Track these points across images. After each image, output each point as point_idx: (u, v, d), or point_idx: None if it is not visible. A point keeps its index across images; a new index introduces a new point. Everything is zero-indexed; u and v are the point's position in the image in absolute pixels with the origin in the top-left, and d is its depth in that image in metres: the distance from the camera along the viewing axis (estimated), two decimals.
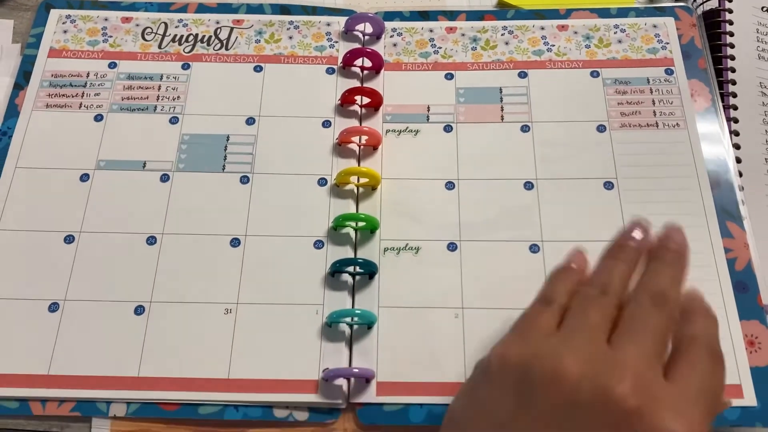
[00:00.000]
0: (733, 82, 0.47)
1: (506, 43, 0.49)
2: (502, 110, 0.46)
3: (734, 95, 0.47)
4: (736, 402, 0.37)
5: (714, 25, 0.49)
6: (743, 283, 0.40)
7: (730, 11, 0.49)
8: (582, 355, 0.26)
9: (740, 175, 0.44)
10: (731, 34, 0.49)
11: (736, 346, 0.39)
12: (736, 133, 0.46)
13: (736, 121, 0.46)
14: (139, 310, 0.40)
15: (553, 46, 0.48)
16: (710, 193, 0.43)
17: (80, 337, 0.39)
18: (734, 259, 0.41)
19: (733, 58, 0.48)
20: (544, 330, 0.28)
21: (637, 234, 0.32)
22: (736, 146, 0.45)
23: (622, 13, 0.50)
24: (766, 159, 0.45)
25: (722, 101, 0.47)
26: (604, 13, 0.50)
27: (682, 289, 0.30)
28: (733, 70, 0.47)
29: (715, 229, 0.42)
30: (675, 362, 0.27)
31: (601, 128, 0.45)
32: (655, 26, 0.49)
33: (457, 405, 0.30)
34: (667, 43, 0.48)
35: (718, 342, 0.29)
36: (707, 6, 0.50)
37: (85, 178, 0.44)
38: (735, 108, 0.46)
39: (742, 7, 0.50)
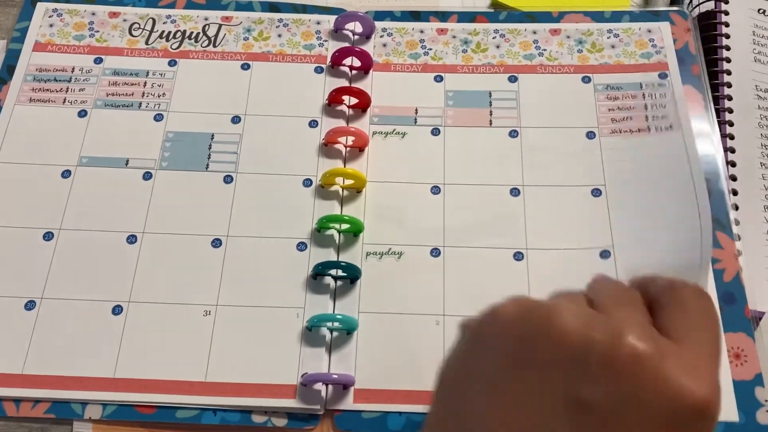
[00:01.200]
0: (729, 85, 0.47)
1: (497, 47, 0.48)
2: (491, 114, 0.45)
3: (730, 98, 0.46)
4: (721, 417, 0.37)
5: (709, 27, 0.49)
6: (731, 294, 0.40)
7: (726, 13, 0.49)
8: (587, 312, 0.24)
9: (734, 179, 0.43)
10: (727, 36, 0.48)
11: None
12: (731, 137, 0.45)
13: (731, 124, 0.45)
14: (116, 310, 0.40)
15: (545, 50, 0.48)
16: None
17: (56, 336, 0.39)
18: (722, 270, 0.41)
19: (729, 60, 0.47)
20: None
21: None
22: (731, 150, 0.45)
23: (616, 16, 0.49)
24: (761, 163, 0.44)
25: (717, 104, 0.46)
26: (597, 16, 0.49)
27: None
28: (729, 73, 0.47)
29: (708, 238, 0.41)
30: (666, 317, 0.25)
31: (590, 134, 0.45)
32: (649, 31, 0.48)
33: (449, 370, 0.26)
34: (662, 48, 0.47)
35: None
36: (703, 8, 0.49)
37: (66, 174, 0.43)
38: (731, 111, 0.46)
39: (738, 10, 0.49)
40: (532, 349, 0.23)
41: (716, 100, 0.46)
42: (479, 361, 0.25)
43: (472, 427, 0.24)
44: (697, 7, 0.50)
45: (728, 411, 0.37)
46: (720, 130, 0.45)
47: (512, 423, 0.23)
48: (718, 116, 0.46)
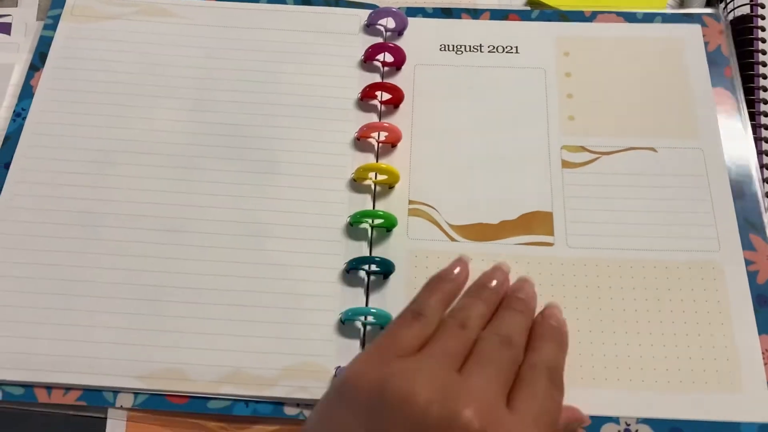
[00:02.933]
0: (765, 89, 0.46)
1: None
2: None
3: (765, 102, 0.46)
4: (754, 418, 0.37)
5: (745, 31, 0.48)
6: (765, 296, 0.40)
7: (763, 17, 0.48)
8: (434, 380, 0.27)
9: None
10: (763, 41, 0.48)
11: (753, 360, 0.38)
12: (767, 140, 0.45)
13: (767, 128, 0.45)
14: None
15: None
16: (732, 204, 0.42)
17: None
18: (756, 272, 0.40)
19: (765, 64, 0.47)
20: (404, 350, 0.29)
21: (499, 277, 0.34)
22: (767, 153, 0.44)
23: (649, 17, 0.49)
24: None
25: (753, 108, 0.46)
26: (630, 17, 0.49)
27: (526, 335, 0.32)
28: (765, 77, 0.47)
29: (737, 241, 0.41)
30: (517, 391, 0.29)
31: None
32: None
33: (310, 422, 0.30)
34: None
35: (560, 367, 0.31)
36: (738, 12, 0.49)
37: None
38: (766, 115, 0.46)
39: None
40: (383, 420, 0.27)
41: (752, 105, 0.46)
42: (336, 419, 0.28)
43: None
44: (732, 12, 0.50)
45: (763, 412, 0.37)
46: (755, 134, 0.45)
47: None
48: (753, 119, 0.46)
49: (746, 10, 0.49)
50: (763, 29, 0.48)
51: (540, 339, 0.32)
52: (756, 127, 0.45)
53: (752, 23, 0.49)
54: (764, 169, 0.44)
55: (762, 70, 0.47)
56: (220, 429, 0.37)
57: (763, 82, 0.47)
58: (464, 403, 0.26)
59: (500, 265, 0.35)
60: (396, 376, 0.27)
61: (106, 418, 0.37)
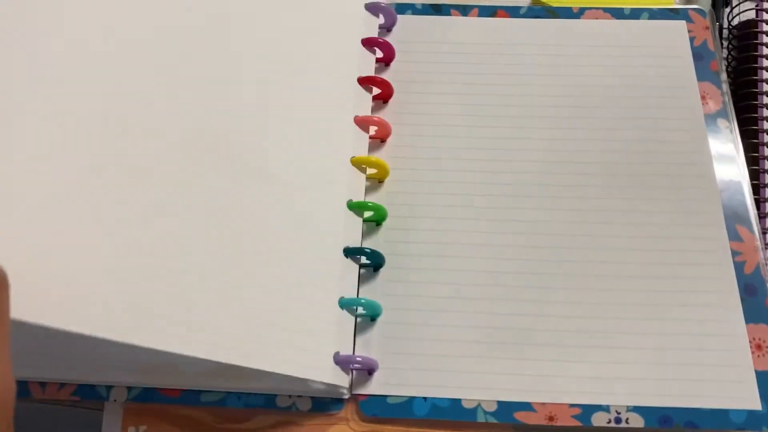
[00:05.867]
0: None
1: None
2: None
3: None
4: (742, 405, 0.37)
5: (750, 35, 0.49)
6: (752, 285, 0.40)
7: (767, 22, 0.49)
8: None
9: None
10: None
11: (740, 348, 0.39)
12: None
13: None
14: None
15: None
16: (719, 195, 0.43)
17: None
18: (743, 263, 0.41)
19: None
20: None
21: None
22: None
23: (636, 13, 0.50)
24: None
25: (755, 112, 0.47)
26: (617, 13, 0.50)
27: None
28: None
29: (723, 232, 0.42)
30: None
31: None
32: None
33: None
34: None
35: None
36: (743, 17, 0.50)
37: None
38: None
39: None
40: None
41: (755, 108, 0.47)
42: None
43: None
44: (737, 16, 0.50)
45: (751, 400, 0.37)
46: (759, 139, 0.46)
47: None
48: (755, 124, 0.46)
49: (751, 15, 0.50)
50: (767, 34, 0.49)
51: None
52: (758, 132, 0.46)
53: (757, 28, 0.49)
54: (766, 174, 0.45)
55: (766, 75, 0.48)
56: (216, 421, 0.38)
57: (767, 87, 0.47)
58: None
59: None
60: None
61: (102, 411, 0.38)
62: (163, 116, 0.35)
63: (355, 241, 0.41)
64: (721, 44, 0.50)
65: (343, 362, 0.37)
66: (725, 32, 0.51)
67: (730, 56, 0.51)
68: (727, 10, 0.51)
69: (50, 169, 0.29)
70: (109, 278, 0.29)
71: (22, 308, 0.25)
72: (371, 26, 0.48)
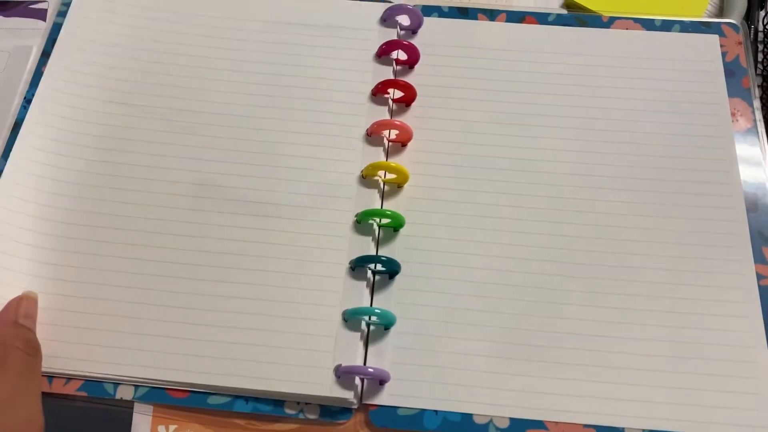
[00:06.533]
0: None
1: None
2: None
3: None
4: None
5: None
6: None
7: None
8: None
9: None
10: None
11: (760, 376, 0.38)
12: None
13: None
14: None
15: None
16: (745, 216, 0.42)
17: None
18: None
19: None
20: None
21: None
22: None
23: (666, 26, 0.48)
24: None
25: None
26: (648, 24, 0.48)
27: None
28: None
29: (748, 254, 0.41)
30: None
31: None
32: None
33: None
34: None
35: None
36: None
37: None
38: None
39: None
40: None
41: None
42: None
43: None
44: None
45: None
46: None
47: None
48: None
49: None
50: None
51: None
52: None
53: None
54: None
55: None
56: (246, 422, 0.37)
57: None
58: None
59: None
60: None
61: (132, 410, 0.37)
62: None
63: (365, 249, 0.40)
64: (756, 48, 0.49)
65: (348, 373, 0.37)
66: (760, 35, 0.50)
67: (765, 60, 0.49)
68: (762, 13, 0.49)
69: None
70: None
71: None
72: (387, 36, 0.47)
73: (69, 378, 0.37)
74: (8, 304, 0.37)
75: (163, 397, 0.37)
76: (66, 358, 0.38)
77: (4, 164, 0.42)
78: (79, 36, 0.47)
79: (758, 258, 0.41)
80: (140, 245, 0.40)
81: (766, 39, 0.50)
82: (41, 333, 0.38)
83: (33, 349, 0.36)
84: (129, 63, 0.46)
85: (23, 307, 0.37)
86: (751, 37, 0.48)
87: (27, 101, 0.45)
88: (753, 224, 0.42)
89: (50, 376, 0.37)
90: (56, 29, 0.47)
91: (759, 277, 0.40)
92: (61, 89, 0.45)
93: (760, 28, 0.50)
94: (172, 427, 0.37)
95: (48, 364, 0.37)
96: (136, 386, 0.37)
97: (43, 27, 0.48)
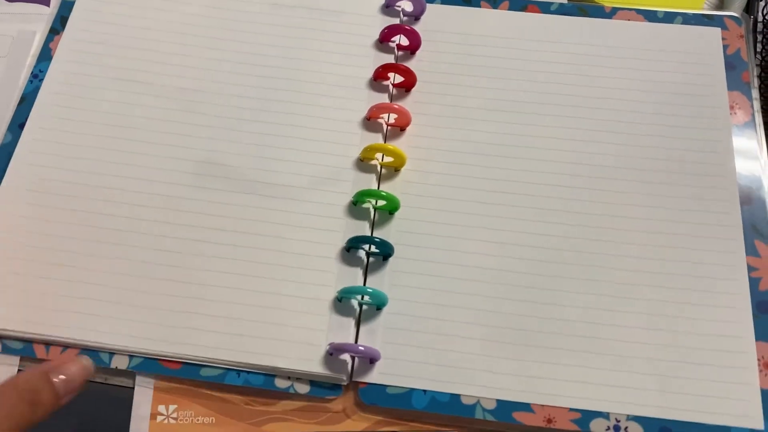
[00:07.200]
0: None
1: None
2: None
3: None
4: (745, 424, 0.37)
5: None
6: (765, 303, 0.39)
7: None
8: None
9: None
10: None
11: (748, 366, 0.38)
12: None
13: None
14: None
15: None
16: (739, 208, 0.42)
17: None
18: (758, 279, 0.40)
19: None
20: None
21: None
22: None
23: (669, 17, 0.48)
24: None
25: None
26: (650, 15, 0.49)
27: None
28: None
29: (740, 246, 0.41)
30: None
31: None
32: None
33: None
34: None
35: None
36: None
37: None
38: None
39: None
40: None
41: None
42: None
43: None
44: None
45: (754, 419, 0.37)
46: None
47: None
48: None
49: None
50: None
51: None
52: None
53: None
54: None
55: None
56: (244, 401, 0.38)
57: None
58: None
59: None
60: None
61: (132, 389, 0.38)
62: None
63: (360, 231, 0.41)
64: (755, 38, 0.49)
65: (339, 351, 0.37)
66: (760, 26, 0.50)
67: (764, 50, 0.49)
68: (762, 3, 0.49)
69: None
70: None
71: None
72: (389, 21, 0.48)
73: (66, 346, 0.38)
74: (60, 358, 0.37)
75: (157, 367, 0.38)
76: (64, 326, 0.38)
77: (10, 137, 0.43)
78: (87, 16, 0.48)
79: (750, 250, 0.41)
80: (141, 219, 0.41)
81: (765, 30, 0.50)
82: (41, 301, 0.39)
83: (37, 412, 0.29)
84: (134, 42, 0.47)
85: (67, 367, 0.32)
86: (751, 27, 0.48)
87: (34, 76, 0.45)
88: (746, 217, 0.42)
89: (48, 344, 0.38)
90: (65, 6, 0.48)
91: (750, 269, 0.40)
92: (70, 67, 0.46)
93: (760, 18, 0.50)
94: (172, 407, 0.38)
95: (47, 332, 0.38)
96: (131, 356, 0.38)
97: (47, 12, 0.49)
